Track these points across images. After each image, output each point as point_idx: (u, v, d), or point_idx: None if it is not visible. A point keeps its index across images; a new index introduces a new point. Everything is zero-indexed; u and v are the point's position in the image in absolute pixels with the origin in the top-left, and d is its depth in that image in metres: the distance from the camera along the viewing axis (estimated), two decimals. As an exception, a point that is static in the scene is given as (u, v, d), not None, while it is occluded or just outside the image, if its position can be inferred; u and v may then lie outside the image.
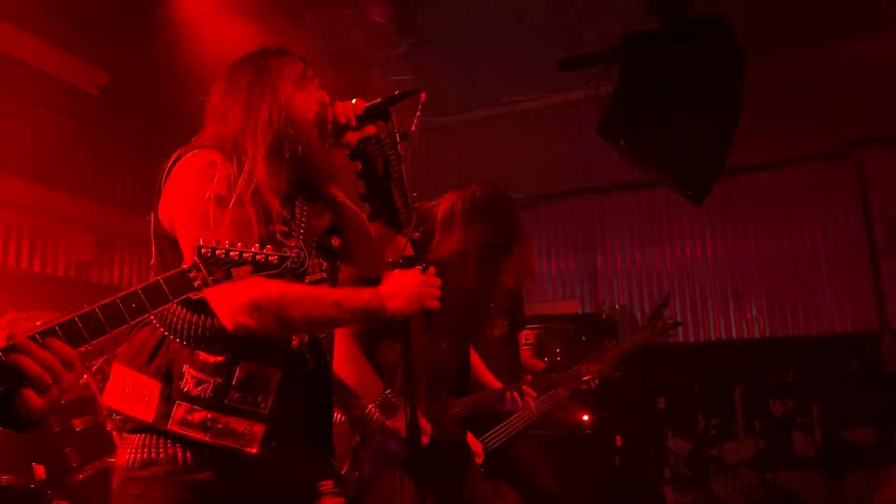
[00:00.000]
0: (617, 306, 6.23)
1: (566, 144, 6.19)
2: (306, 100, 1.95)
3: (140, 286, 1.38)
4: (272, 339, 1.84)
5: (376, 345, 2.74)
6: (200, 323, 1.79)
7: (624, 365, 3.65)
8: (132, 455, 1.78)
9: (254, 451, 1.79)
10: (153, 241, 1.89)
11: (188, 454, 1.76)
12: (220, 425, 1.77)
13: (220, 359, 1.78)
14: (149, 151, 5.29)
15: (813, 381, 5.56)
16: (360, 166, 2.10)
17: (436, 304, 1.97)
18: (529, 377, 3.37)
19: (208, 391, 1.77)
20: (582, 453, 4.59)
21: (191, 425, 1.75)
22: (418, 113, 1.99)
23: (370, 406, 2.69)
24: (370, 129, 2.03)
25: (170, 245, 1.83)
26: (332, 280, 2.05)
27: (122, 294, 1.36)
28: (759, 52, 4.64)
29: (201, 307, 1.76)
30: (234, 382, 1.79)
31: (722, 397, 5.81)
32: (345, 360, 2.69)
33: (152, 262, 1.90)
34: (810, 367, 5.59)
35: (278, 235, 1.86)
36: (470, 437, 3.28)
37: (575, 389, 3.58)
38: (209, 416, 1.76)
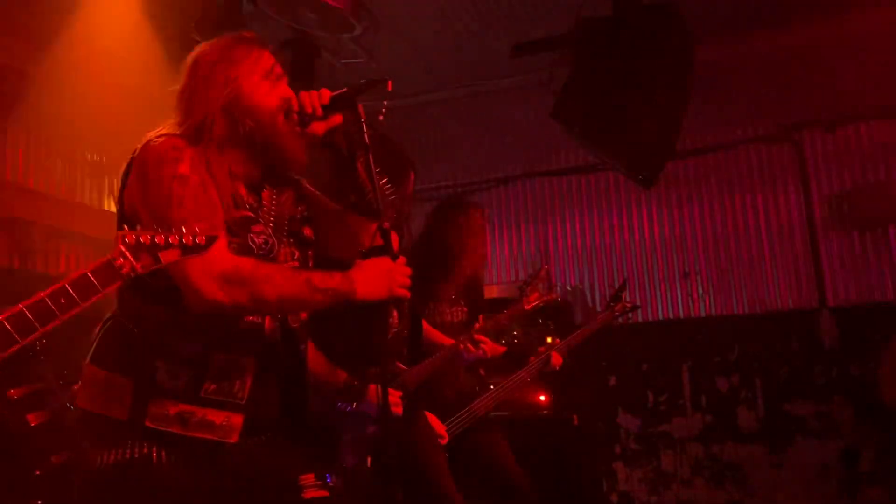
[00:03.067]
0: (569, 287, 6.33)
1: (519, 128, 6.24)
2: (270, 92, 1.93)
3: (67, 281, 1.38)
4: (243, 319, 1.81)
5: (331, 334, 2.75)
6: (169, 314, 1.76)
7: (578, 349, 3.74)
8: (103, 456, 1.74)
9: (234, 440, 1.78)
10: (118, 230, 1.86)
11: (163, 453, 1.73)
12: (196, 418, 1.75)
13: (193, 350, 1.76)
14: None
15: (756, 357, 5.77)
16: (329, 156, 2.10)
17: (405, 293, 1.99)
18: (479, 324, 3.40)
19: (183, 384, 1.74)
20: (540, 434, 4.69)
21: (167, 420, 1.73)
22: (385, 102, 2.01)
23: (337, 398, 2.70)
24: (337, 119, 2.03)
25: None
26: (305, 269, 2.04)
27: (49, 290, 1.36)
28: (703, 37, 4.73)
29: (168, 298, 1.73)
30: (208, 374, 1.77)
31: (670, 374, 5.99)
32: None
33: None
34: (754, 344, 5.80)
35: (242, 221, 1.85)
36: (434, 421, 3.32)
37: (539, 373, 3.65)
38: (185, 409, 1.74)
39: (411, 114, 5.88)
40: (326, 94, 1.98)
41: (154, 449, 1.73)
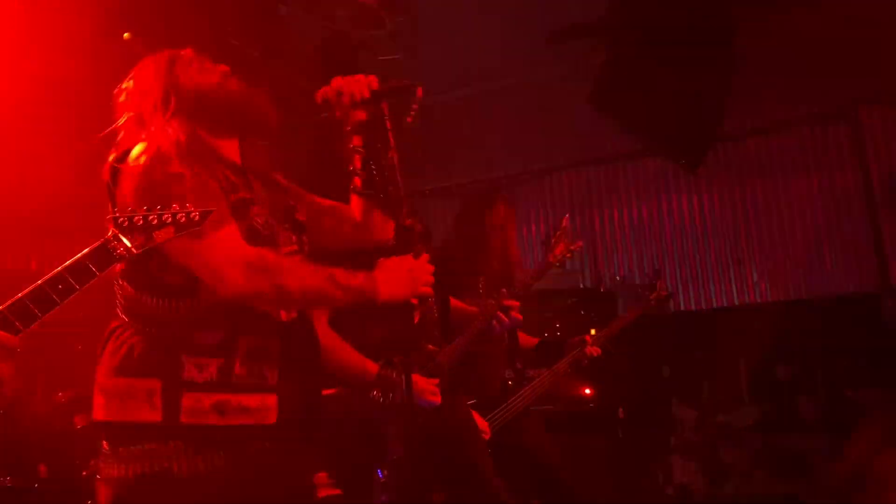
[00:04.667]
0: (617, 278, 6.21)
1: (559, 118, 6.14)
2: (207, 72, 1.95)
3: (63, 267, 1.39)
4: (263, 308, 1.80)
5: (359, 326, 2.74)
6: (187, 308, 1.76)
7: (618, 340, 3.65)
8: (128, 468, 1.70)
9: (272, 421, 1.77)
10: None
11: (188, 461, 1.70)
12: (233, 405, 1.73)
13: (217, 337, 1.74)
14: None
15: (816, 343, 5.56)
16: (356, 143, 2.10)
17: (429, 291, 1.98)
18: (505, 290, 3.33)
19: (213, 374, 1.73)
20: (586, 427, 4.61)
21: (203, 412, 1.71)
22: (415, 107, 1.99)
23: (374, 391, 2.70)
24: (362, 115, 2.04)
25: None
26: (303, 254, 2.04)
27: (47, 278, 1.38)
28: (752, 13, 4.57)
29: (183, 292, 1.73)
30: (236, 359, 1.75)
31: (726, 364, 5.82)
32: (328, 350, 2.69)
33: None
34: (813, 330, 5.58)
35: (240, 203, 1.85)
36: (476, 416, 3.29)
37: (574, 364, 3.58)
38: (220, 398, 1.72)
39: (449, 109, 5.86)
40: (374, 82, 1.99)
41: (182, 454, 1.70)
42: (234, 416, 1.73)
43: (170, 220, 1.49)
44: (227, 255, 1.66)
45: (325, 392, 2.80)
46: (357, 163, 2.12)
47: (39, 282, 1.37)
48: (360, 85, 1.96)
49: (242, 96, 1.96)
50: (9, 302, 1.35)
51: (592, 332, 3.83)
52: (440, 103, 5.92)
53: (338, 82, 1.98)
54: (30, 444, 3.25)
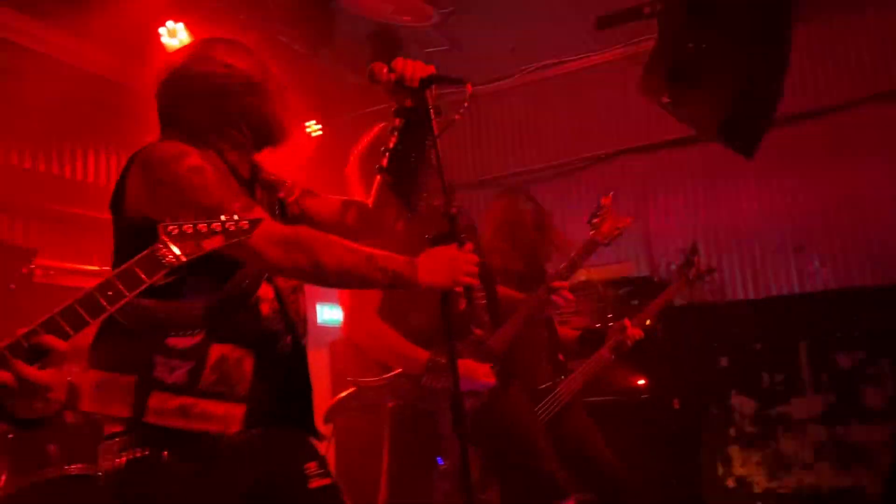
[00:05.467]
0: (672, 266, 6.09)
1: (610, 104, 6.05)
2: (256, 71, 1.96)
3: (114, 273, 1.42)
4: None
5: (407, 314, 2.75)
6: (165, 310, 1.77)
7: (660, 320, 3.56)
8: (113, 460, 1.74)
9: (235, 430, 1.77)
10: (114, 241, 1.87)
11: (167, 452, 1.72)
12: (197, 410, 1.74)
13: (191, 342, 1.76)
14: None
15: (881, 331, 5.36)
16: (397, 124, 2.12)
17: (473, 281, 1.97)
18: (551, 272, 3.29)
19: (182, 377, 1.74)
20: (640, 418, 4.55)
21: (168, 413, 1.72)
22: (466, 104, 1.99)
23: (424, 377, 2.70)
24: (409, 101, 2.05)
25: (135, 239, 1.80)
26: None
27: (97, 284, 1.40)
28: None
29: (164, 292, 1.74)
30: (207, 365, 1.76)
31: (786, 353, 5.66)
32: (375, 336, 2.71)
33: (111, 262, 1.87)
34: (879, 318, 5.38)
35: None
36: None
37: (617, 349, 3.52)
38: (186, 401, 1.74)
39: (498, 98, 5.83)
40: (428, 70, 2.01)
41: (158, 447, 1.72)
42: (196, 420, 1.74)
43: (219, 228, 1.52)
44: (264, 232, 1.68)
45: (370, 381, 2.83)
46: (391, 143, 2.12)
47: (90, 287, 1.40)
48: (415, 67, 1.98)
49: (273, 105, 1.97)
50: (60, 307, 1.38)
51: (647, 322, 3.77)
52: (485, 93, 5.90)
53: (399, 62, 2.00)
54: (95, 432, 3.34)
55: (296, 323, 1.98)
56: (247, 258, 1.75)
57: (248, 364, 1.83)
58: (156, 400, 1.72)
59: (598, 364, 3.52)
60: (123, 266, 1.44)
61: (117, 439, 1.75)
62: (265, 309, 1.89)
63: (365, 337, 2.75)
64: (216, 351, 1.79)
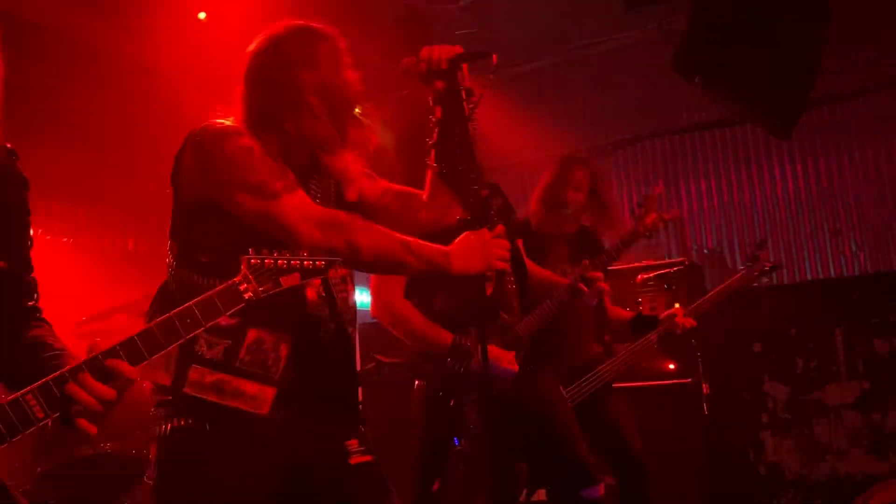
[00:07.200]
0: (706, 251, 6.02)
1: (642, 86, 5.97)
2: (345, 81, 1.96)
3: (194, 302, 1.51)
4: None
5: (433, 296, 2.75)
6: (207, 285, 1.79)
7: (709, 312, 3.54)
8: (162, 427, 1.82)
9: (264, 412, 1.82)
10: (172, 213, 1.94)
11: (208, 423, 1.80)
12: (231, 387, 1.81)
13: (232, 322, 1.80)
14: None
15: (920, 316, 5.25)
16: (438, 115, 2.10)
17: (504, 266, 1.97)
18: (587, 261, 3.26)
19: (220, 353, 1.81)
20: (670, 403, 4.51)
21: (203, 387, 1.80)
22: (491, 76, 2.00)
23: (448, 359, 2.70)
24: (440, 84, 2.04)
25: (190, 215, 1.88)
26: None
27: (177, 311, 1.49)
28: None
29: (213, 272, 1.79)
30: (243, 345, 1.82)
31: (821, 338, 5.56)
32: (400, 317, 2.72)
33: (169, 235, 1.95)
34: (916, 303, 5.27)
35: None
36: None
37: (665, 336, 3.49)
38: (222, 378, 1.80)
39: (527, 80, 5.77)
40: (456, 51, 2.00)
41: (200, 419, 1.79)
42: (230, 397, 1.80)
43: (297, 265, 1.60)
44: (302, 213, 1.74)
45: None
46: (435, 136, 2.12)
47: (170, 314, 1.48)
48: (441, 51, 1.98)
49: (324, 126, 1.94)
50: (139, 330, 1.46)
51: (676, 305, 3.73)
52: (515, 76, 5.85)
53: (425, 51, 2.00)
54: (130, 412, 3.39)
55: (342, 311, 2.00)
56: (284, 237, 1.78)
57: (285, 348, 1.87)
58: (195, 373, 1.80)
59: (644, 348, 3.49)
60: (204, 295, 1.52)
61: (163, 408, 1.83)
62: (311, 294, 1.92)
63: (390, 317, 2.77)
64: (253, 333, 1.84)
